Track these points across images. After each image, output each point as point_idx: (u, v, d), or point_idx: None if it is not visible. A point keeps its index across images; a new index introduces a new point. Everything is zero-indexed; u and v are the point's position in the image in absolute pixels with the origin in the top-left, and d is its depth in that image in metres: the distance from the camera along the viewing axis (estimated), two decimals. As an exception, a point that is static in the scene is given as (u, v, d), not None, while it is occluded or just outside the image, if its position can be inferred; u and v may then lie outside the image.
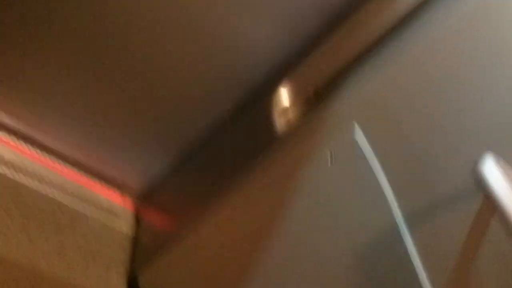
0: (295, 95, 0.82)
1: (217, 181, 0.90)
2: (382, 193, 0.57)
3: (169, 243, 0.89)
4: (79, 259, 0.88)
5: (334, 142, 0.66)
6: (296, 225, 0.67)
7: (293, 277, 0.66)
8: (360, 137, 0.62)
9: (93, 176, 1.02)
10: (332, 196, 0.64)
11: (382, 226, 0.56)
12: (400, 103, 0.60)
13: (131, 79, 0.90)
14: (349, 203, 0.61)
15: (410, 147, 0.58)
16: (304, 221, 0.66)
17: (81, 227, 0.92)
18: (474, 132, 0.52)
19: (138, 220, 1.04)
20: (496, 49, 0.55)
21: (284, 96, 0.83)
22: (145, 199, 1.06)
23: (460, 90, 0.56)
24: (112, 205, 1.01)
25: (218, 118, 0.96)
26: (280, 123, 0.80)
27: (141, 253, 0.96)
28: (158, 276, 0.89)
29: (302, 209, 0.67)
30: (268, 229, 0.71)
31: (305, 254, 0.65)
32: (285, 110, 0.81)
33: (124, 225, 1.01)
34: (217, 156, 0.95)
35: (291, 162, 0.71)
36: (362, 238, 0.58)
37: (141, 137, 1.00)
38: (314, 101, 0.79)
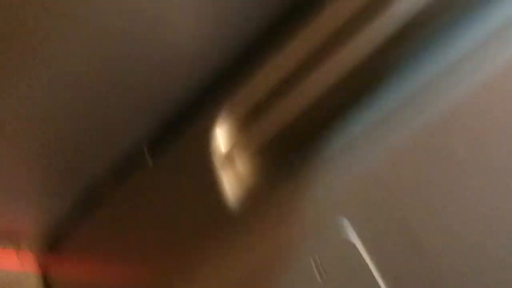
0: (240, 133, 0.62)
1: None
2: None
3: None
4: None
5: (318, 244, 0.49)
6: None
7: None
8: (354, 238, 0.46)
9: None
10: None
11: None
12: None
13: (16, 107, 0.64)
14: None
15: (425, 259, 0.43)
16: None
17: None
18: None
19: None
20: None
21: (222, 133, 0.63)
22: (51, 253, 0.84)
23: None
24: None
25: (133, 151, 0.74)
26: (223, 178, 0.61)
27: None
28: None
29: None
30: None
31: None
32: (227, 156, 0.62)
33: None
34: (136, 199, 0.74)
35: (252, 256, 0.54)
36: None
37: (35, 180, 0.76)
38: (273, 148, 0.60)
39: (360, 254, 0.47)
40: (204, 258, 0.64)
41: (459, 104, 0.47)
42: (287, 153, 0.58)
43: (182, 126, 0.68)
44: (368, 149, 0.49)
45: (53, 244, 0.84)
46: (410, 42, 0.50)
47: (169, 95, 0.65)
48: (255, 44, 0.58)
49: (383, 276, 0.46)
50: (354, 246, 0.47)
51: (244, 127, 0.63)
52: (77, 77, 0.60)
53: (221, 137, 0.64)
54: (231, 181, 0.62)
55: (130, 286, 0.74)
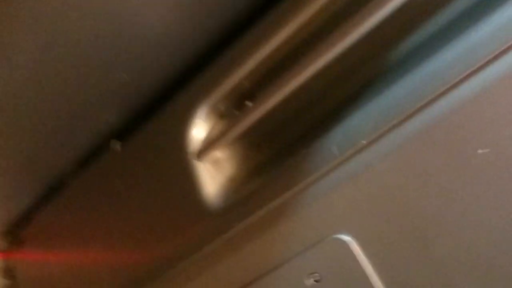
0: (220, 122, 0.55)
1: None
2: None
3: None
4: None
5: (318, 259, 0.44)
6: None
7: None
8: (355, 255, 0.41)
9: None
10: None
11: None
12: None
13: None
14: None
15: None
16: None
17: None
18: None
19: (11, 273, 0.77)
20: None
21: (200, 121, 0.56)
22: (14, 241, 0.78)
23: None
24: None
25: (102, 138, 0.66)
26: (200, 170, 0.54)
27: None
28: None
29: None
30: None
31: None
32: (204, 146, 0.54)
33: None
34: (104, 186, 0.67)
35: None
36: None
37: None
38: (260, 142, 0.53)
39: (366, 274, 0.42)
40: (175, 253, 0.59)
41: (470, 102, 0.41)
42: (276, 149, 0.52)
43: (155, 113, 0.61)
44: (372, 153, 0.43)
45: (16, 233, 0.78)
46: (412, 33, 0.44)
47: (141, 80, 0.57)
48: (234, 31, 0.51)
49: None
50: (359, 264, 0.43)
51: (225, 115, 0.56)
52: (41, 65, 0.52)
53: (199, 125, 0.57)
54: (210, 173, 0.56)
55: (92, 273, 0.69)
